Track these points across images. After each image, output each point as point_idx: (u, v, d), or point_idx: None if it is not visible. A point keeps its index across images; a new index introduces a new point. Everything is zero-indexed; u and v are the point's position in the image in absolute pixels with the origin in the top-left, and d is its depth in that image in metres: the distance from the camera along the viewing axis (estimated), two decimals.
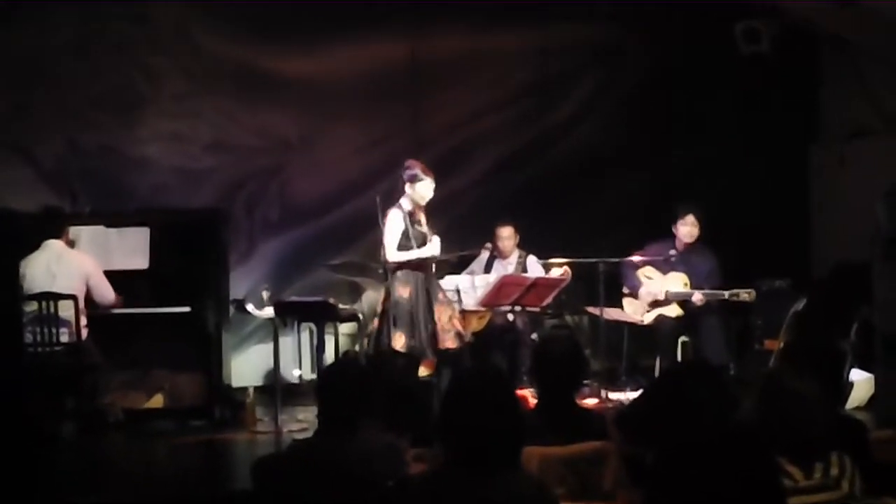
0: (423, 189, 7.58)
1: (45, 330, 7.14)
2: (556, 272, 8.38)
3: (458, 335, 7.63)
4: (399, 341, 7.37)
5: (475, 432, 3.13)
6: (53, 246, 7.42)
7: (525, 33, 9.91)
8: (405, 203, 7.56)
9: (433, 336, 7.48)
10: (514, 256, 8.84)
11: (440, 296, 7.66)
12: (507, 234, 8.78)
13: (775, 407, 3.54)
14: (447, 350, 7.55)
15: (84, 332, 7.30)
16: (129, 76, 9.20)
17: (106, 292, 7.49)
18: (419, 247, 7.53)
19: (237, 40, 9.38)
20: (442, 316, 7.52)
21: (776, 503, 2.18)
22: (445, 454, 3.23)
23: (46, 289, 7.20)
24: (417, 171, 7.57)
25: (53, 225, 7.51)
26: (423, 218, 7.69)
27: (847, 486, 3.49)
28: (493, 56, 9.91)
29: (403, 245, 7.52)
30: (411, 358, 7.45)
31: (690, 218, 8.55)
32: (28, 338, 6.99)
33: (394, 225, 7.50)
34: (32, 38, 8.88)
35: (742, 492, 2.11)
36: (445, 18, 9.73)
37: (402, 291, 7.48)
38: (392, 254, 7.50)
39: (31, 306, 7.08)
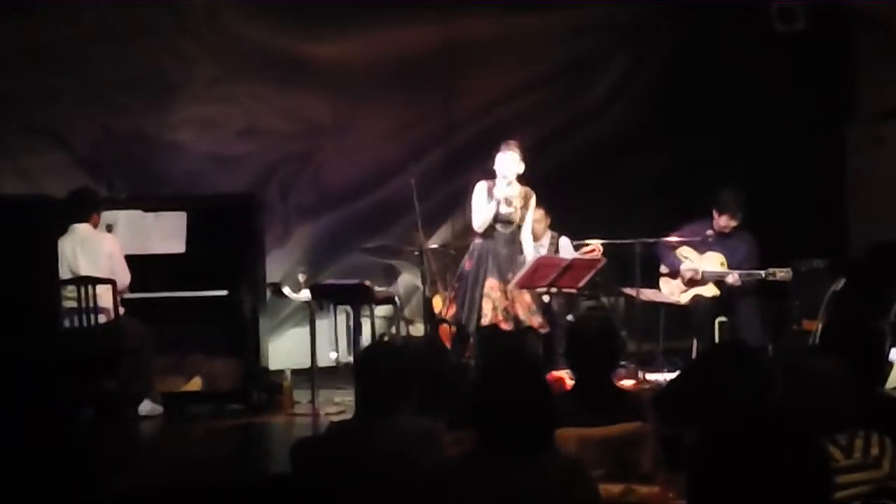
0: (496, 163, 7.83)
1: (83, 314, 7.12)
2: (586, 250, 8.39)
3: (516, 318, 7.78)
4: (450, 311, 7.61)
5: (504, 416, 3.15)
6: (79, 230, 7.35)
7: (556, 14, 9.87)
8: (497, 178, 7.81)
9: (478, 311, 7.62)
10: (547, 238, 8.82)
11: (509, 275, 7.73)
12: (537, 217, 8.76)
13: (797, 387, 3.53)
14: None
15: (121, 311, 7.29)
16: (161, 61, 9.19)
17: (122, 276, 7.36)
18: (494, 219, 7.77)
19: (269, 24, 9.38)
20: (491, 292, 7.61)
21: (824, 485, 2.16)
22: (477, 437, 3.24)
23: (74, 272, 7.17)
24: (503, 145, 7.85)
25: (85, 209, 7.45)
26: (512, 194, 7.83)
27: (888, 465, 3.46)
28: (524, 38, 9.87)
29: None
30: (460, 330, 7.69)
31: (728, 215, 8.45)
32: (65, 322, 6.99)
33: (476, 195, 7.81)
34: (63, 22, 8.89)
35: (789, 474, 2.10)
36: (477, 0, 9.70)
37: (468, 264, 7.80)
38: (476, 223, 7.81)
39: (69, 291, 7.07)
